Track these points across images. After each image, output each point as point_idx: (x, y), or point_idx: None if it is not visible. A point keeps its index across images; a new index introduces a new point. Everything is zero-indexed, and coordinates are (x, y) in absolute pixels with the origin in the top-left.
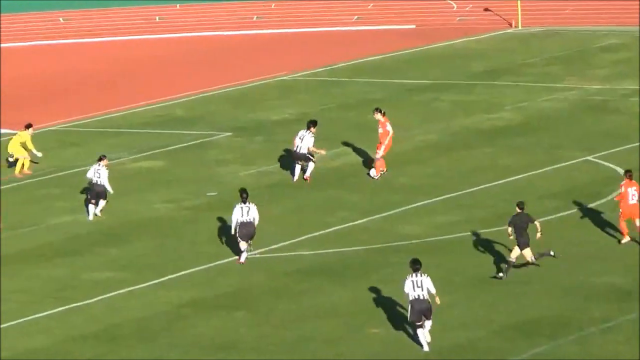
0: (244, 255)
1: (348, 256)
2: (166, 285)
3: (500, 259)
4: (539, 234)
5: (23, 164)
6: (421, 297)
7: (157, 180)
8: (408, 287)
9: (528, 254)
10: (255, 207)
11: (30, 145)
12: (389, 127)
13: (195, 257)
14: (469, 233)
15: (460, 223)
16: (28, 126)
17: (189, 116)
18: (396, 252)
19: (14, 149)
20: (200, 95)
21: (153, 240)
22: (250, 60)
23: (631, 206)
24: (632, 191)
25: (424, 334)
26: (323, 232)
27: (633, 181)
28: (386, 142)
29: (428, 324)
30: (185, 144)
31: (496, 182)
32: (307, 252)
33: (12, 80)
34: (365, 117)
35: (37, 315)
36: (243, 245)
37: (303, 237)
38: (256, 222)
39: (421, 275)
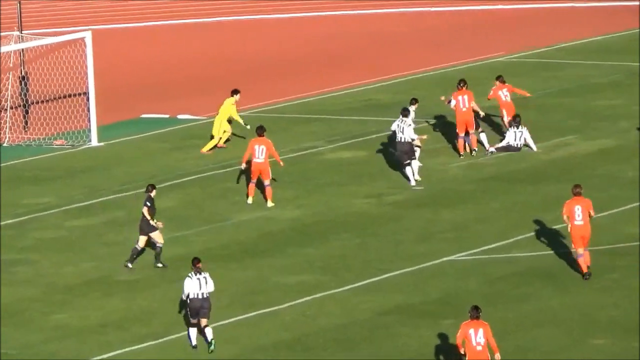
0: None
1: (570, 259)
2: (367, 290)
3: None
4: None
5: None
6: (403, 140)
7: (357, 173)
8: (394, 127)
9: None
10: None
11: (236, 116)
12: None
13: (400, 259)
14: None
15: None
16: (234, 92)
17: (393, 101)
18: (623, 255)
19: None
20: (407, 78)
21: (353, 239)
22: (461, 40)
23: None
24: None
25: (411, 171)
26: (541, 231)
27: None
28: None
29: (415, 163)
30: (389, 132)
31: None
32: (524, 254)
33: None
34: (588, 104)
35: (223, 322)
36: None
37: (519, 237)
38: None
39: (404, 123)
